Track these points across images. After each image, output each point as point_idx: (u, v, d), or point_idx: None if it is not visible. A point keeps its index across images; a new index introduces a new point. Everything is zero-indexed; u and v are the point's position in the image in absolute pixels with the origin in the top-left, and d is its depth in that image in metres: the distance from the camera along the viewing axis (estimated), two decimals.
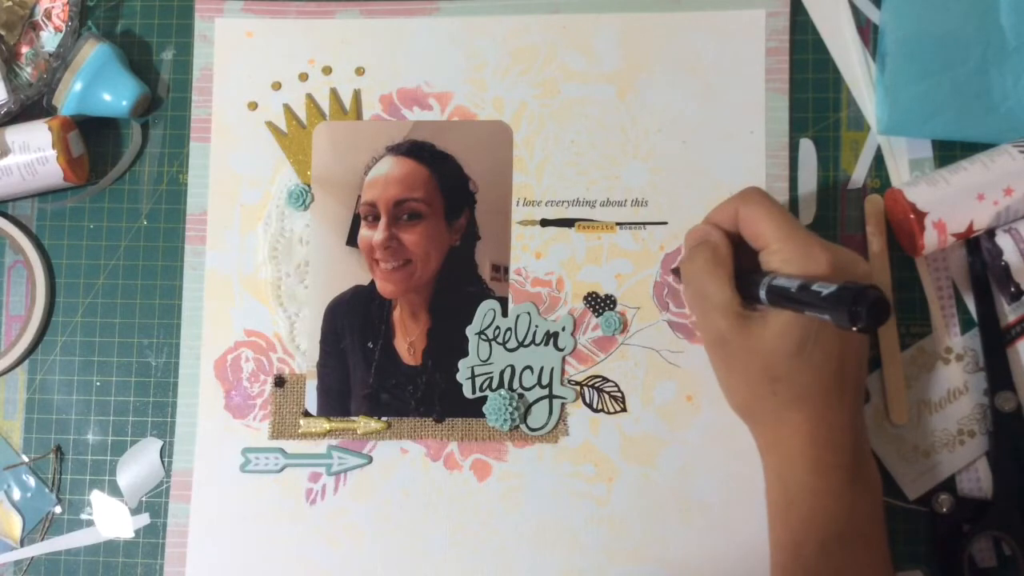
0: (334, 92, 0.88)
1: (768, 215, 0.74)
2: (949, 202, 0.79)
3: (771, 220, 0.73)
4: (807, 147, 0.85)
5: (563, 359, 0.85)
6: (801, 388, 0.72)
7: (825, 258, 0.71)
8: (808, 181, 0.85)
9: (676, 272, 0.84)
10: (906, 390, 0.83)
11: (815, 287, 0.65)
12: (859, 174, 0.85)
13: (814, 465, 0.72)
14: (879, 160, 0.85)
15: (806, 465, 0.73)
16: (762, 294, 0.72)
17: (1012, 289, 0.80)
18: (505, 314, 0.86)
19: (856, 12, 0.86)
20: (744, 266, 0.76)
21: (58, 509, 0.88)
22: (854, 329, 0.61)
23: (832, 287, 0.64)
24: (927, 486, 0.82)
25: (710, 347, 0.78)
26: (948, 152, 0.84)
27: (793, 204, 0.85)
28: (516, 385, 0.85)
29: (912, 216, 0.79)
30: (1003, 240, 0.80)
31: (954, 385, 0.83)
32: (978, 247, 0.82)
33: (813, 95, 0.86)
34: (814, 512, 0.72)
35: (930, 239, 0.79)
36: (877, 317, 0.60)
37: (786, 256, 0.72)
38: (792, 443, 0.73)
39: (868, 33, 0.86)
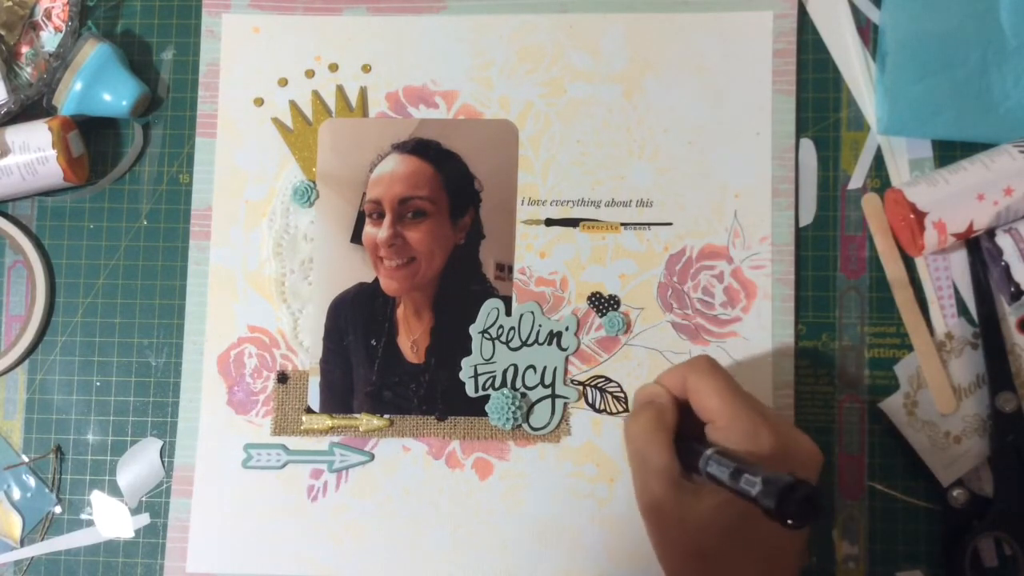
0: (340, 89, 0.88)
1: (716, 390, 0.72)
2: (949, 202, 0.79)
3: (718, 395, 0.71)
4: (807, 147, 0.86)
5: (566, 359, 0.85)
6: (728, 571, 0.70)
7: (770, 441, 0.69)
8: (808, 181, 0.86)
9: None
10: (948, 379, 0.83)
11: (746, 479, 0.63)
12: (859, 174, 0.85)
13: None
14: (879, 160, 0.85)
15: None
16: (701, 469, 0.69)
17: (1012, 289, 0.80)
18: (508, 313, 0.86)
19: (856, 12, 0.86)
20: (690, 429, 0.74)
21: (58, 509, 0.87)
22: (784, 524, 0.59)
23: (760, 480, 0.61)
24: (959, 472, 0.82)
25: (644, 512, 0.73)
26: (948, 152, 0.84)
27: (794, 204, 0.85)
28: (519, 384, 0.85)
29: (912, 216, 0.79)
30: (1003, 240, 0.80)
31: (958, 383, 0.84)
32: (978, 247, 0.83)
33: (813, 95, 0.86)
34: None
35: (930, 239, 0.79)
36: (806, 513, 0.58)
37: (730, 436, 0.70)
38: None
39: (868, 33, 0.86)
